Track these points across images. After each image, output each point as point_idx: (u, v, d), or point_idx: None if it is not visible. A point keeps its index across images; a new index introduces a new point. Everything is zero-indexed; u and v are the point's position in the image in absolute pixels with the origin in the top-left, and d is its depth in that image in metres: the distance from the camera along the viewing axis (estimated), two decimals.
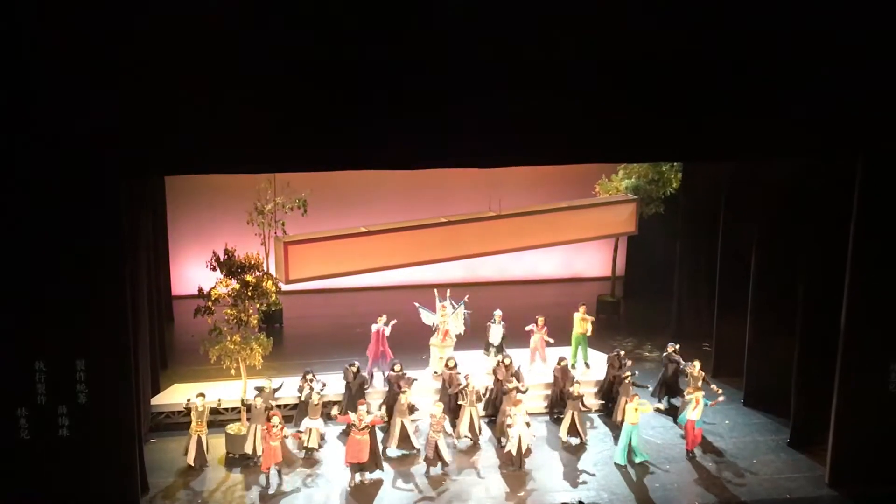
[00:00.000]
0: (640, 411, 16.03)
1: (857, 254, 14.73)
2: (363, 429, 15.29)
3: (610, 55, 13.12)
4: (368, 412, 15.85)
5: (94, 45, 11.93)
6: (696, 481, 15.85)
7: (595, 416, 17.99)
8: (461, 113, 13.03)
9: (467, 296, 18.83)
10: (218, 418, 16.83)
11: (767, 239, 17.66)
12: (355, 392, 16.96)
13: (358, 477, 15.53)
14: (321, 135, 13.03)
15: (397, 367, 17.18)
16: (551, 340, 18.70)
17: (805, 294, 16.30)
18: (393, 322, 18.19)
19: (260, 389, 16.49)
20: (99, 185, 12.77)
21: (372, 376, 17.88)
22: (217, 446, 16.38)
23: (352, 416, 15.52)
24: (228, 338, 15.95)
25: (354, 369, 17.14)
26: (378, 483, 15.57)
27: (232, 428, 16.51)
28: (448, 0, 12.47)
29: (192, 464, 15.73)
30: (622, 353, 18.03)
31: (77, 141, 12.37)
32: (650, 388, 18.04)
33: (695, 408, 16.30)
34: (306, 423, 16.41)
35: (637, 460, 16.16)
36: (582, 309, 18.91)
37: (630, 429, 16.03)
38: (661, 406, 18.12)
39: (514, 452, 15.82)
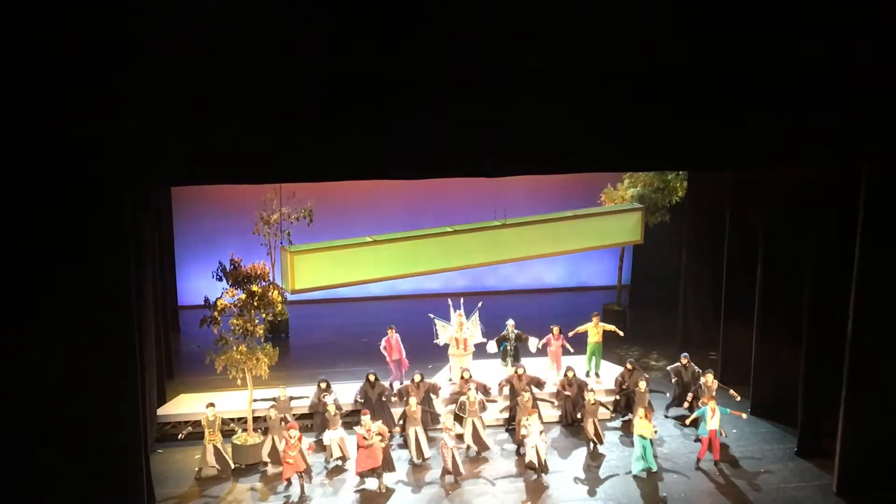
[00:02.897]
0: (643, 423, 16.01)
1: (863, 261, 14.69)
2: (371, 437, 15.32)
3: (613, 63, 13.11)
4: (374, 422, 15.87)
5: (96, 54, 11.95)
6: (704, 491, 15.80)
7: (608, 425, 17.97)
8: (466, 122, 13.03)
9: (480, 302, 18.83)
10: (224, 428, 16.85)
11: (773, 247, 17.63)
12: (375, 402, 17.01)
13: (375, 482, 15.56)
14: (325, 145, 13.02)
15: (417, 378, 17.21)
16: (571, 350, 18.72)
17: (811, 302, 16.27)
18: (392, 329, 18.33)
19: (275, 400, 16.61)
20: (102, 195, 12.78)
21: (391, 387, 17.89)
22: None
23: (358, 429, 15.49)
24: (234, 348, 15.97)
25: (373, 378, 17.19)
26: (390, 492, 15.59)
27: (239, 438, 16.52)
28: (452, 10, 12.48)
29: (205, 471, 15.86)
30: (630, 365, 17.97)
31: (80, 149, 12.37)
32: (668, 395, 18.10)
33: (712, 417, 16.28)
34: (328, 434, 16.34)
35: (643, 469, 16.13)
36: (595, 318, 18.94)
37: (642, 440, 16.02)
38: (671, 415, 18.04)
39: (534, 462, 15.80)
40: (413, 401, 16.56)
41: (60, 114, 12.16)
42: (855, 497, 15.39)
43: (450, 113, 12.94)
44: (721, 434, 16.76)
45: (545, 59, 12.88)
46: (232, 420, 16.85)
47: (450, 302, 18.62)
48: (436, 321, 18.45)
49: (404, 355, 18.40)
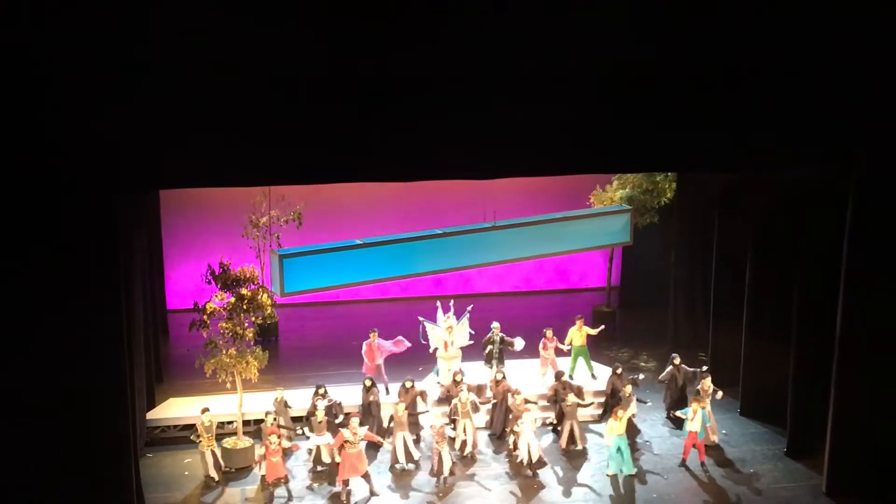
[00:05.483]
0: (614, 423, 15.97)
1: (852, 261, 14.74)
2: (357, 442, 15.27)
3: (604, 67, 13.14)
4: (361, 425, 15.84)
5: (86, 61, 11.91)
6: (693, 491, 15.83)
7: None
8: (457, 125, 13.04)
9: (471, 306, 18.79)
10: (217, 433, 16.83)
11: (762, 247, 17.67)
12: (369, 406, 17.01)
13: (364, 487, 15.51)
14: (316, 148, 13.02)
15: (409, 383, 17.16)
16: (565, 348, 18.70)
17: (800, 302, 16.31)
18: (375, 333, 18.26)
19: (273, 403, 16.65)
20: (92, 198, 12.71)
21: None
22: None
23: (344, 432, 15.43)
24: (224, 351, 15.93)
25: (369, 384, 17.17)
26: (382, 497, 15.55)
27: (228, 442, 16.49)
28: (445, 14, 12.48)
29: (215, 476, 15.81)
30: (619, 370, 17.94)
31: (68, 155, 12.33)
32: (649, 403, 17.91)
33: (692, 419, 16.30)
34: (313, 440, 16.28)
35: (626, 472, 16.10)
36: (579, 322, 18.94)
37: (618, 440, 16.00)
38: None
39: (524, 461, 15.88)
40: (401, 406, 16.53)
41: (50, 120, 12.11)
42: (844, 497, 15.42)
43: (441, 116, 12.96)
44: (712, 438, 16.85)
45: (538, 65, 12.91)
46: (222, 423, 16.84)
47: (438, 304, 18.60)
48: (425, 324, 18.42)
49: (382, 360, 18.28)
